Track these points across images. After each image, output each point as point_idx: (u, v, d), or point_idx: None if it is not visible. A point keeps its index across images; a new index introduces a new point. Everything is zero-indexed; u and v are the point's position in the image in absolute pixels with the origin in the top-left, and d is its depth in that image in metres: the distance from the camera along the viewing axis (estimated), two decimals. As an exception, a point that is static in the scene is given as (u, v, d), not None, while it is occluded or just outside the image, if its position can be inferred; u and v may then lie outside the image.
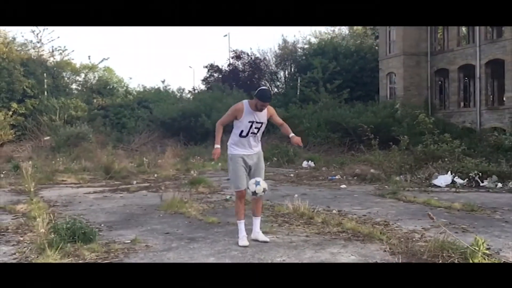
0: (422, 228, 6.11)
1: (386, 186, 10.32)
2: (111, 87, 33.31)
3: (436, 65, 26.47)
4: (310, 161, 16.48)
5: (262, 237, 5.56)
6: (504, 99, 24.96)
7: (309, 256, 4.87)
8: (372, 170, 12.45)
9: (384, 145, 13.70)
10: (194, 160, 17.45)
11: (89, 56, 58.02)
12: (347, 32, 37.78)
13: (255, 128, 5.48)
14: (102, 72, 34.68)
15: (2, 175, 13.73)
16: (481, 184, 10.42)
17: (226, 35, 70.28)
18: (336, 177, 12.67)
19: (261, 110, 5.45)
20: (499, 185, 10.22)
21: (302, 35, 51.77)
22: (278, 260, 4.75)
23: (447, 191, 9.86)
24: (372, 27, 36.57)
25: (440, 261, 4.30)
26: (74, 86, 33.85)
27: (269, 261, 4.70)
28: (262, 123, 5.51)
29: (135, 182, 12.20)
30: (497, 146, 13.86)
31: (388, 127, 20.58)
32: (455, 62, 25.36)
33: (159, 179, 13.02)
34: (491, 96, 25.80)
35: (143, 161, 15.04)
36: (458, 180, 10.60)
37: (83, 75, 34.07)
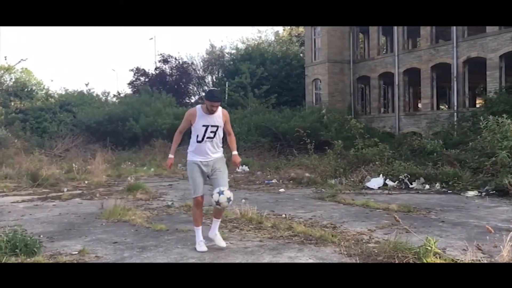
0: (368, 230, 6.38)
1: (323, 189, 10.62)
2: (29, 89, 31.53)
3: (358, 73, 27.72)
4: (244, 166, 16.57)
5: (219, 240, 5.53)
6: (420, 105, 26.64)
7: (268, 261, 4.91)
8: (307, 174, 12.77)
9: (314, 149, 14.07)
10: (125, 165, 16.92)
11: (5, 57, 54.32)
12: (273, 38, 38.50)
13: (211, 132, 5.43)
14: (20, 74, 32.79)
15: None
16: (410, 186, 11.04)
17: (152, 38, 68.76)
18: (273, 181, 12.85)
19: (212, 112, 5.38)
20: (427, 186, 10.88)
21: (230, 41, 51.99)
22: (238, 266, 4.75)
23: (380, 193, 10.35)
24: (296, 34, 37.62)
25: (396, 262, 4.51)
26: (-12, 88, 31.71)
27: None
28: (217, 126, 5.45)
29: (65, 189, 11.63)
30: (419, 149, 14.70)
31: (316, 131, 21.21)
32: (375, 70, 26.70)
33: (91, 186, 12.50)
34: (408, 102, 27.42)
35: (72, 167, 14.34)
36: (390, 183, 11.17)
37: (-2, 77, 32.00)
